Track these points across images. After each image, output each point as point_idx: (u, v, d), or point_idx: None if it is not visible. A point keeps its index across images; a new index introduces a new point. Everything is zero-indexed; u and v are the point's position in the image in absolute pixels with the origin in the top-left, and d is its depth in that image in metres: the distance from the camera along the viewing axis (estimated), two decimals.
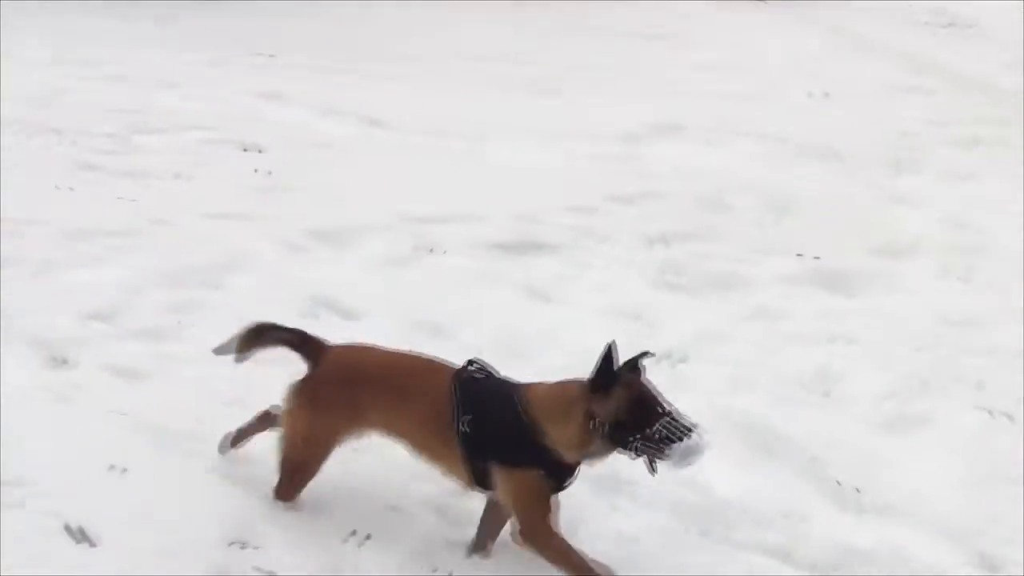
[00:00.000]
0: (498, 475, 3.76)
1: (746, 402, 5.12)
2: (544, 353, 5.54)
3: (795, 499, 4.42)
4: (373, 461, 4.31)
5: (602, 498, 4.36)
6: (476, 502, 4.10)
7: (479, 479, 3.81)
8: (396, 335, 5.69)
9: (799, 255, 6.84)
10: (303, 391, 4.04)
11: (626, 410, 3.59)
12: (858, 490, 4.49)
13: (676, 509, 4.33)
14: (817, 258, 6.76)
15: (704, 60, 12.44)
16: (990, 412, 5.13)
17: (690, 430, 3.55)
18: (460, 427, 3.77)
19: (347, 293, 6.05)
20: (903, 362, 5.58)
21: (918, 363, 5.58)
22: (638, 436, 3.55)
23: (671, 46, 13.30)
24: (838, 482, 4.53)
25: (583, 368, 5.33)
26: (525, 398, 3.79)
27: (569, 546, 3.74)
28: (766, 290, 6.42)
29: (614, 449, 3.68)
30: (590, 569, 3.70)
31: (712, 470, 4.50)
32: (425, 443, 3.97)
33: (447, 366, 4.01)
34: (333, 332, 5.63)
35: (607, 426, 3.60)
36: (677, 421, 3.56)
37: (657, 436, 3.53)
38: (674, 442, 3.52)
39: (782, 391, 5.24)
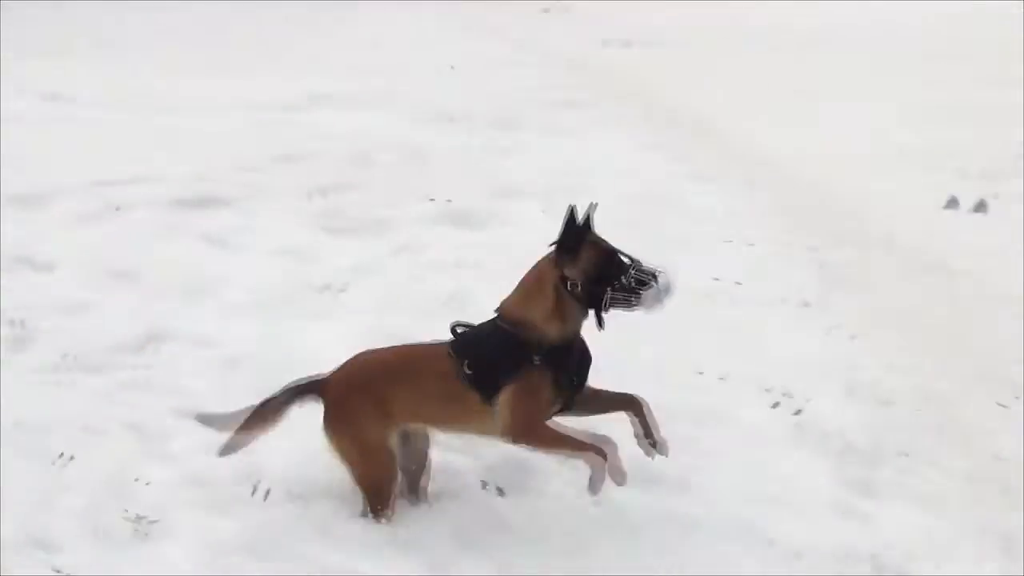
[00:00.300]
0: (505, 387, 3.42)
1: (396, 320, 5.17)
2: (224, 290, 5.44)
3: None
4: (70, 392, 4.11)
5: None
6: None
7: (496, 399, 3.47)
8: (89, 283, 5.46)
9: (433, 199, 6.94)
10: (330, 422, 3.61)
11: (596, 265, 3.35)
12: None
13: None
14: (449, 201, 6.88)
15: (350, 41, 12.42)
16: None
17: (655, 273, 3.35)
18: (465, 374, 3.45)
19: (43, 249, 5.72)
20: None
21: None
22: (611, 288, 3.33)
23: (322, 30, 13.20)
24: None
25: (260, 302, 5.31)
26: (501, 311, 3.50)
27: (559, 432, 3.44)
28: (409, 229, 6.47)
29: (589, 308, 3.40)
30: (586, 444, 3.42)
31: None
32: (449, 412, 3.62)
33: (438, 342, 3.61)
34: (30, 283, 5.36)
35: (581, 285, 3.36)
36: (644, 268, 3.36)
37: (628, 284, 3.32)
38: (644, 288, 3.32)
39: (426, 309, 5.33)
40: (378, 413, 3.59)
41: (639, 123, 9.49)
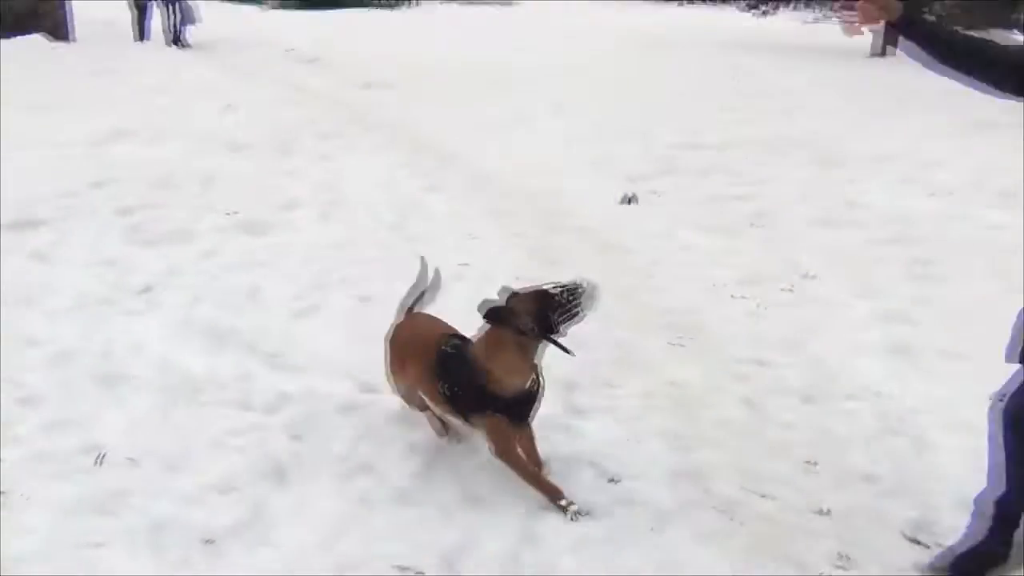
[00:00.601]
0: (474, 418, 3.44)
1: (204, 311, 5.00)
2: (49, 298, 5.06)
3: (243, 368, 4.39)
4: None
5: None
6: None
7: (470, 421, 3.49)
8: None
9: (228, 213, 6.69)
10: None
11: (535, 305, 3.28)
12: (274, 355, 4.53)
13: (164, 390, 4.16)
14: (237, 213, 6.66)
15: (143, 85, 11.73)
16: (362, 299, 5.34)
17: (579, 284, 3.28)
18: (443, 392, 3.46)
19: None
20: (302, 274, 5.66)
21: (312, 274, 5.68)
22: (558, 314, 3.25)
23: (119, 78, 12.37)
24: (271, 354, 4.55)
25: (82, 306, 4.99)
26: (473, 355, 3.41)
27: (526, 465, 3.43)
28: (209, 238, 6.21)
29: (546, 339, 3.32)
30: (542, 481, 3.40)
31: (186, 358, 4.41)
32: (431, 398, 3.62)
33: (439, 338, 3.60)
34: None
35: (535, 325, 3.28)
36: (567, 286, 3.28)
37: (567, 303, 3.24)
38: (578, 298, 3.24)
39: (227, 301, 5.17)
40: (400, 368, 3.79)
41: (387, 148, 9.48)
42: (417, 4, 35.81)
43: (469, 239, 6.56)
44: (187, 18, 16.79)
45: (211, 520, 3.26)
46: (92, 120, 9.33)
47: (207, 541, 3.17)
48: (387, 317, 5.12)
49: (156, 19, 17.22)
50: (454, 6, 34.41)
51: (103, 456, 3.59)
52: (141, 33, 17.26)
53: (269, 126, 9.82)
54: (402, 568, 3.14)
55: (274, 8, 31.43)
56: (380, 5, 34.01)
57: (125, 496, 3.35)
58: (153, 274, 5.51)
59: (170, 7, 16.73)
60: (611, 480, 3.54)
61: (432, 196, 7.69)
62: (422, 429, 3.84)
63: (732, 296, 5.45)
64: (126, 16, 17.68)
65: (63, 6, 16.19)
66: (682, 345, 4.79)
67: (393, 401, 4.11)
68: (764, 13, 23.30)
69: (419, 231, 6.72)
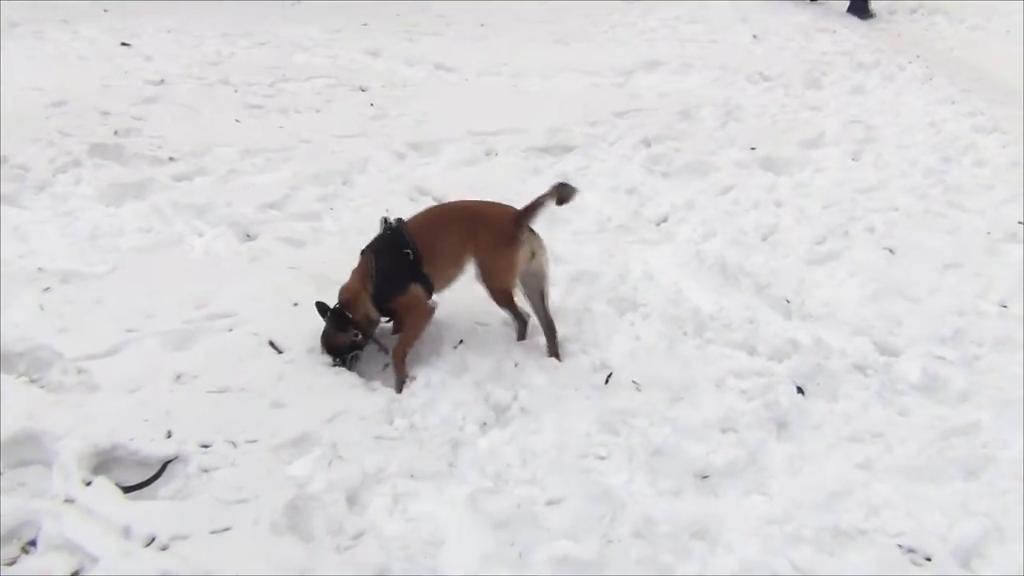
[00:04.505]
0: None
1: (716, 247, 5.15)
2: (575, 220, 5.52)
3: (752, 310, 4.46)
4: None
5: (623, 317, 4.46)
6: None
7: None
8: None
9: (751, 148, 6.76)
10: None
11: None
12: (785, 300, 4.52)
13: (672, 321, 4.40)
14: (755, 149, 6.68)
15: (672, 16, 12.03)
16: (887, 250, 5.16)
17: None
18: None
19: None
20: (823, 218, 5.57)
21: (834, 218, 5.56)
22: None
23: (648, 7, 12.80)
24: (782, 298, 4.59)
25: (605, 229, 5.36)
26: None
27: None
28: (726, 172, 6.35)
29: None
30: None
31: (696, 293, 4.57)
32: None
33: None
34: None
35: None
36: None
37: None
38: None
39: (741, 239, 5.26)
40: None
41: (933, 80, 8.75)
42: None
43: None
44: None
45: (709, 456, 3.44)
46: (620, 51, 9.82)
47: (702, 476, 3.36)
48: (914, 274, 4.87)
49: None
50: None
51: (610, 376, 3.92)
52: None
53: (798, 56, 9.60)
54: (907, 549, 3.02)
55: None
56: None
57: (628, 417, 3.65)
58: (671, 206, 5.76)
59: None
60: None
61: (986, 139, 7.02)
62: (949, 404, 3.63)
63: None
64: None
65: None
66: None
67: (912, 369, 3.95)
68: None
69: (963, 179, 6.22)
